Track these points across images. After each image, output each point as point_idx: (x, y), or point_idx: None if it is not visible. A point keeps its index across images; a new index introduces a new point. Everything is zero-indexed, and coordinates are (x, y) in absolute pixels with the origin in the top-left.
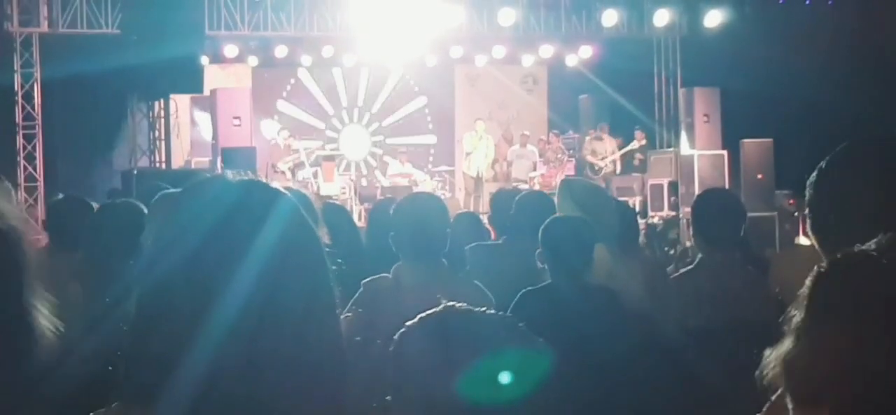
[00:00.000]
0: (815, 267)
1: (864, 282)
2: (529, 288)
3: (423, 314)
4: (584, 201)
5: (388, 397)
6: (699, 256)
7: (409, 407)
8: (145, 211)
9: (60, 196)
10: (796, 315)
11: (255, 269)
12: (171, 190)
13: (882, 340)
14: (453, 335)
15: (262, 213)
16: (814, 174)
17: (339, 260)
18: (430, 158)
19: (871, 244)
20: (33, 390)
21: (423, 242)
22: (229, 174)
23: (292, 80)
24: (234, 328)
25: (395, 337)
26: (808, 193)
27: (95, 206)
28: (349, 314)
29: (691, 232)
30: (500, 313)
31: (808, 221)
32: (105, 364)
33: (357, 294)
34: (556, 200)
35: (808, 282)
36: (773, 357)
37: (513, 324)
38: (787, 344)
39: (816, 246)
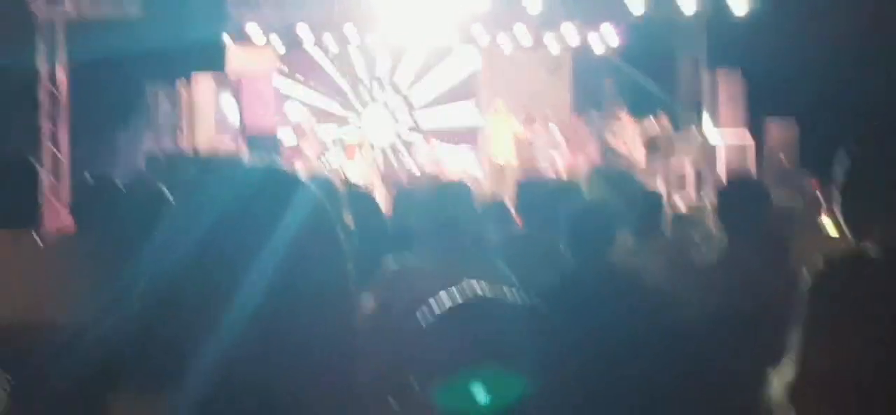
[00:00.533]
0: (808, 273)
1: (855, 283)
2: (553, 275)
3: (445, 298)
4: (612, 188)
5: (411, 378)
6: (724, 242)
7: (431, 388)
8: (168, 195)
9: (88, 177)
10: (794, 334)
11: (272, 256)
12: (196, 172)
13: (875, 338)
14: (476, 320)
15: (280, 200)
16: (843, 156)
17: (363, 245)
18: (463, 137)
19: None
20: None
21: (448, 229)
22: (247, 159)
23: (316, 62)
24: (251, 314)
25: (419, 319)
26: (837, 174)
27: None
28: (368, 298)
29: (717, 218)
30: (523, 300)
31: (837, 203)
32: (123, 348)
33: (378, 275)
34: (585, 184)
35: (803, 287)
36: (775, 384)
37: (536, 311)
38: (787, 369)
39: (845, 228)
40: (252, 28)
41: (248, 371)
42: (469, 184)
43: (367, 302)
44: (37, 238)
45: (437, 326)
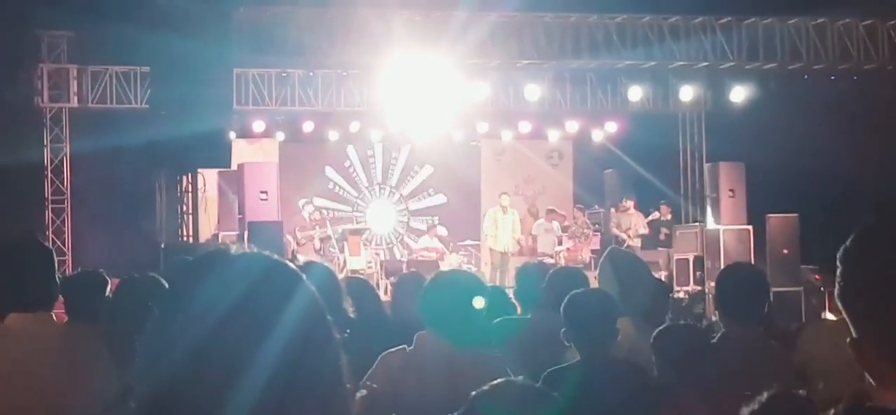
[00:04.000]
0: None
1: None
2: (554, 368)
3: (493, 383)
4: (623, 274)
5: None
6: (722, 330)
7: None
8: (166, 285)
9: (78, 270)
10: None
11: (267, 348)
12: (194, 263)
13: None
14: (527, 403)
15: (276, 292)
16: (848, 241)
17: (363, 334)
18: (456, 224)
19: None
20: None
21: (457, 315)
22: (232, 248)
23: (320, 155)
24: (246, 409)
25: (466, 404)
26: (839, 261)
27: (110, 280)
28: (370, 389)
29: (715, 307)
30: (530, 383)
31: (837, 288)
32: None
33: (374, 367)
34: (599, 268)
35: None
36: None
37: (542, 394)
38: None
39: (845, 317)
40: (256, 123)
41: None
42: (475, 273)
43: (369, 393)
44: (53, 320)
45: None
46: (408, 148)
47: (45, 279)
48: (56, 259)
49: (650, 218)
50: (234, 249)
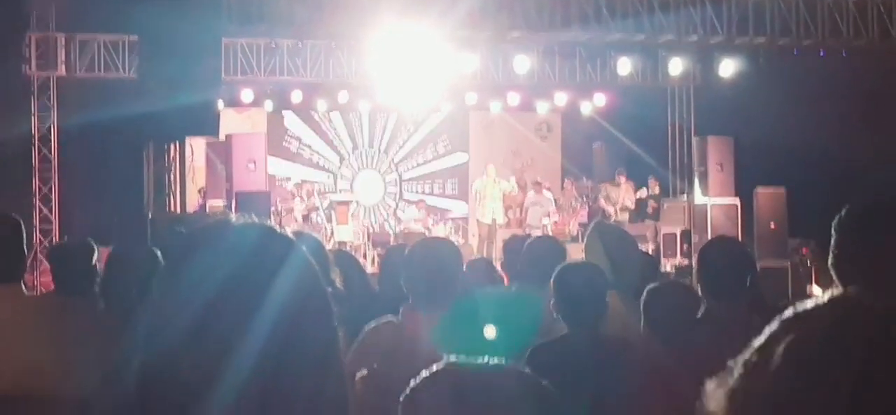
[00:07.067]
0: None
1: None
2: (540, 342)
3: (433, 370)
4: (610, 248)
5: None
6: (703, 306)
7: None
8: (159, 256)
9: (65, 239)
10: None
11: (263, 318)
12: (185, 233)
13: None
14: (467, 392)
15: (271, 260)
16: (844, 211)
17: (350, 306)
18: (452, 184)
19: (822, 298)
20: None
21: (436, 286)
22: (233, 218)
23: (309, 126)
24: (244, 379)
25: (406, 393)
26: (835, 230)
27: (98, 248)
28: (370, 368)
29: (696, 282)
30: (514, 365)
31: (831, 257)
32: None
33: (360, 340)
34: (586, 241)
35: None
36: (714, 391)
37: (528, 378)
38: (732, 377)
39: (838, 286)
40: (245, 92)
41: None
42: (454, 243)
43: (363, 376)
44: (23, 291)
45: (426, 401)
46: (397, 119)
47: (13, 251)
48: (24, 231)
49: (639, 195)
50: (234, 219)
